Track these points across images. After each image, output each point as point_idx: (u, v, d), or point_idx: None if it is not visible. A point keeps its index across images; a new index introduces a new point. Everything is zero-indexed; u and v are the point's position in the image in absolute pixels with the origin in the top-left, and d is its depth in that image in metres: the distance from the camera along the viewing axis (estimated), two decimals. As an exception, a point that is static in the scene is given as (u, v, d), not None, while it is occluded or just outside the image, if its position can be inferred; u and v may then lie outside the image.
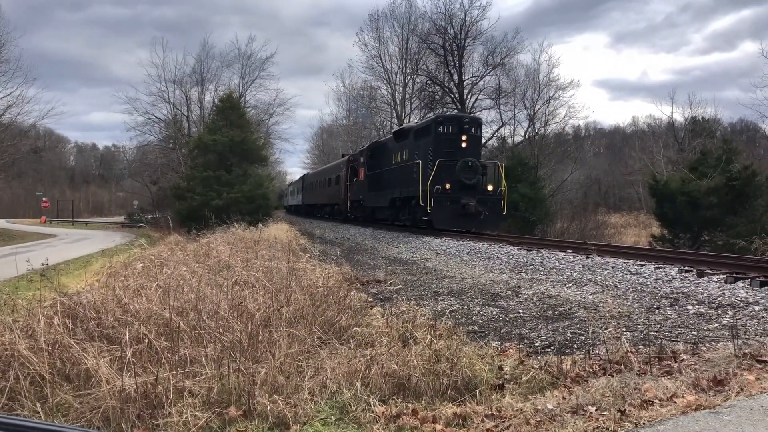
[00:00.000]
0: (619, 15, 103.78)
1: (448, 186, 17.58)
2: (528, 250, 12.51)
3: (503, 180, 18.89)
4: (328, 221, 33.20)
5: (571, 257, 11.01)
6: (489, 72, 38.40)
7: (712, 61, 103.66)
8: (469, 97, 38.14)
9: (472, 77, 39.06)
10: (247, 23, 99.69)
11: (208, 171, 25.84)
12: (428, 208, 17.45)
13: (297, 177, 59.74)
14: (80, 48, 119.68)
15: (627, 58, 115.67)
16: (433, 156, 18.09)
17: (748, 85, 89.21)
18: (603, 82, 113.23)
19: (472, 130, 19.07)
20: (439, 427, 3.43)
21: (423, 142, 19.41)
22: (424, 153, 18.78)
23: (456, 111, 35.51)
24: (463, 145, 18.26)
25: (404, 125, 25.59)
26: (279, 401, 3.61)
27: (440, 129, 18.55)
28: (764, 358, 4.26)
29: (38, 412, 3.51)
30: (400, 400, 3.82)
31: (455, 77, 38.45)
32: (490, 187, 18.63)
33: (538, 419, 3.37)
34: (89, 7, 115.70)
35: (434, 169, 17.50)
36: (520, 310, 6.84)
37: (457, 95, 37.75)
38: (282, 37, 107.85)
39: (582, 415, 3.39)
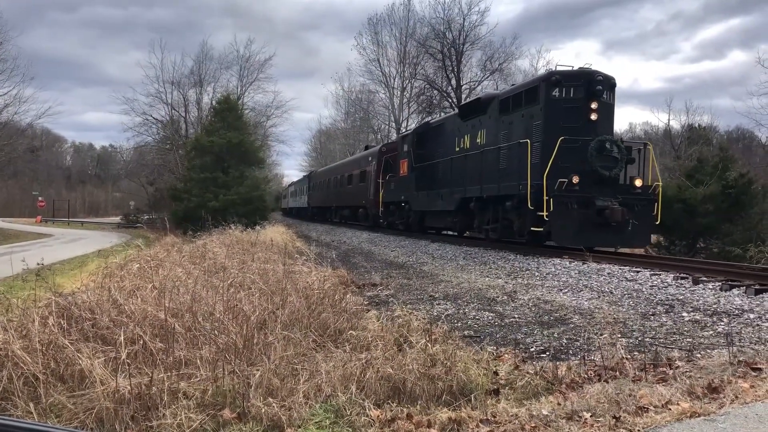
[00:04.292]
0: (609, 23, 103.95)
1: (575, 180, 11.60)
2: (524, 256, 12.52)
3: (657, 171, 12.90)
4: (325, 224, 32.85)
5: (567, 263, 11.02)
6: (487, 77, 38.65)
7: (703, 69, 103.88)
8: (467, 101, 38.24)
9: (470, 82, 39.30)
10: (240, 26, 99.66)
11: (205, 172, 25.83)
12: (544, 214, 11.45)
13: (294, 179, 59.56)
14: (74, 48, 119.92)
15: (618, 66, 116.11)
16: (543, 134, 12.20)
17: (739, 93, 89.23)
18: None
19: (605, 95, 12.44)
20: (434, 431, 3.43)
21: (522, 114, 13.21)
22: (526, 130, 12.78)
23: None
24: (593, 116, 12.08)
25: (479, 95, 18.15)
26: (274, 404, 3.60)
27: (555, 93, 12.30)
28: (759, 366, 4.27)
29: (31, 413, 3.49)
30: (395, 404, 3.81)
31: (453, 82, 38.61)
32: (638, 182, 12.45)
33: (533, 425, 3.37)
34: (82, 8, 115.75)
35: (553, 153, 11.49)
36: (516, 315, 6.84)
37: (455, 100, 37.84)
38: (275, 40, 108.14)
39: (577, 421, 3.39)
